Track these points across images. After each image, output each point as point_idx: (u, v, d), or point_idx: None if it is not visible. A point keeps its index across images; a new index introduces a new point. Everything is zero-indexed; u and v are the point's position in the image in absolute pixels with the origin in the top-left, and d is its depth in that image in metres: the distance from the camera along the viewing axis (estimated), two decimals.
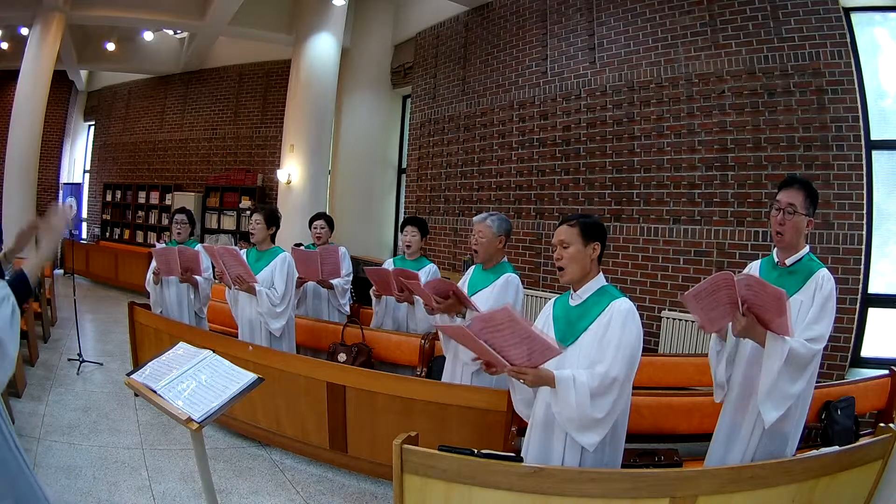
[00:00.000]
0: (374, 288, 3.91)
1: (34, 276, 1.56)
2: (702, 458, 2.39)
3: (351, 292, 4.58)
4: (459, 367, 2.97)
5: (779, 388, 1.97)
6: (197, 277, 4.10)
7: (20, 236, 2.24)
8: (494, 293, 2.87)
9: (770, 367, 1.97)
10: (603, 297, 1.99)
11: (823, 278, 2.11)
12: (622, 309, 1.92)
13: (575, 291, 2.06)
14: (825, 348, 2.10)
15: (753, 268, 2.36)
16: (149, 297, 4.36)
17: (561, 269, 2.03)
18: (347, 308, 4.38)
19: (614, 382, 1.86)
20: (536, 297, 5.80)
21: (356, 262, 4.64)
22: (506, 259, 3.03)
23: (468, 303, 2.77)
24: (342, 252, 4.34)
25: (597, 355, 1.91)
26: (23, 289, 1.50)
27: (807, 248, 2.22)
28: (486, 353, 1.83)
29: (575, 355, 1.95)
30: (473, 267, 3.12)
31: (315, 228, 4.46)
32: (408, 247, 3.93)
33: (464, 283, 3.09)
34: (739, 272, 2.46)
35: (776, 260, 2.26)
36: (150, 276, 4.21)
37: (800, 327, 2.06)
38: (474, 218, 3.03)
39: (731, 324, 2.07)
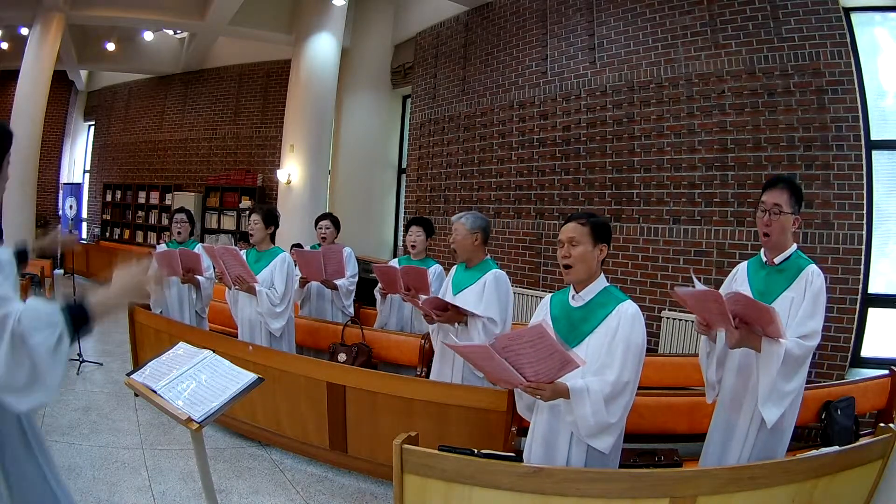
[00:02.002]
0: (379, 286, 3.90)
1: (97, 312, 1.34)
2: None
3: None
4: (448, 367, 2.98)
5: (777, 388, 1.99)
6: (199, 277, 4.09)
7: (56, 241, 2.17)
8: (486, 290, 2.86)
9: (768, 371, 1.98)
10: (607, 299, 1.97)
11: (813, 274, 2.12)
12: (629, 312, 1.92)
13: (577, 292, 2.03)
14: (825, 348, 2.11)
15: (741, 269, 2.37)
16: (149, 298, 4.36)
17: (567, 266, 2.00)
18: (351, 309, 4.37)
19: (626, 386, 1.86)
20: (536, 297, 5.80)
21: (357, 262, 4.63)
22: (489, 256, 3.04)
23: (466, 311, 2.78)
24: (347, 253, 4.32)
25: (606, 359, 1.89)
26: (78, 320, 1.29)
27: (794, 247, 2.23)
28: (503, 370, 1.79)
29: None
30: (456, 267, 3.12)
31: (321, 228, 4.44)
32: (412, 247, 3.93)
33: (447, 284, 3.09)
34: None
35: (764, 259, 2.27)
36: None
37: (792, 324, 2.07)
38: (452, 218, 3.04)
39: (725, 335, 2.08)
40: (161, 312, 4.21)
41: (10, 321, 1.18)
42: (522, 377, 1.80)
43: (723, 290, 2.36)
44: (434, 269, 3.77)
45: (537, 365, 1.75)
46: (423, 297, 3.00)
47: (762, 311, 1.92)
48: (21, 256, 2.08)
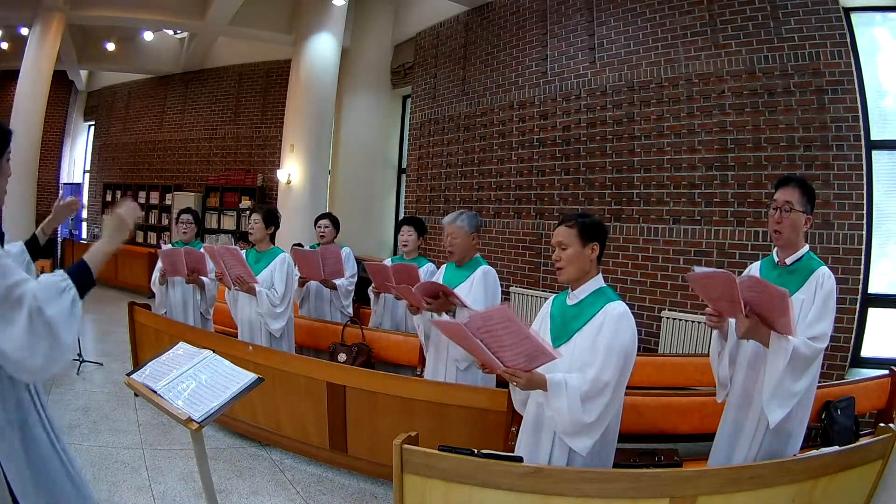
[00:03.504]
0: (372, 286, 3.90)
1: (96, 264, 1.49)
2: (702, 458, 2.40)
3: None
4: (442, 365, 2.98)
5: (783, 387, 1.98)
6: (203, 278, 4.05)
7: (57, 210, 2.27)
8: (475, 285, 2.89)
9: (774, 368, 1.97)
10: (598, 299, 1.99)
11: (824, 276, 2.11)
12: (616, 312, 1.91)
13: (572, 291, 2.05)
14: (825, 348, 2.10)
15: (753, 268, 2.37)
16: (151, 298, 4.34)
17: (560, 269, 2.04)
18: (350, 309, 4.36)
19: (606, 386, 1.85)
20: (536, 296, 5.80)
21: (357, 262, 4.63)
22: (478, 254, 3.06)
23: (458, 299, 2.78)
24: (345, 253, 4.31)
25: (589, 358, 1.90)
26: (84, 278, 1.45)
27: (806, 247, 2.22)
28: (480, 352, 1.82)
29: (567, 355, 1.95)
30: (444, 266, 3.13)
31: (319, 228, 4.44)
32: (404, 246, 3.94)
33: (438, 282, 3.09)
34: (740, 272, 2.47)
35: (776, 259, 2.27)
36: (156, 276, 4.15)
37: (802, 326, 2.06)
38: (444, 220, 3.03)
39: (734, 325, 2.08)
40: (165, 314, 4.20)
41: (27, 300, 1.29)
42: (501, 363, 1.82)
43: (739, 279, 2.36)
44: (427, 268, 3.78)
45: (511, 350, 1.77)
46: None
47: (776, 296, 1.88)
48: (33, 246, 2.14)
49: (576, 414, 1.83)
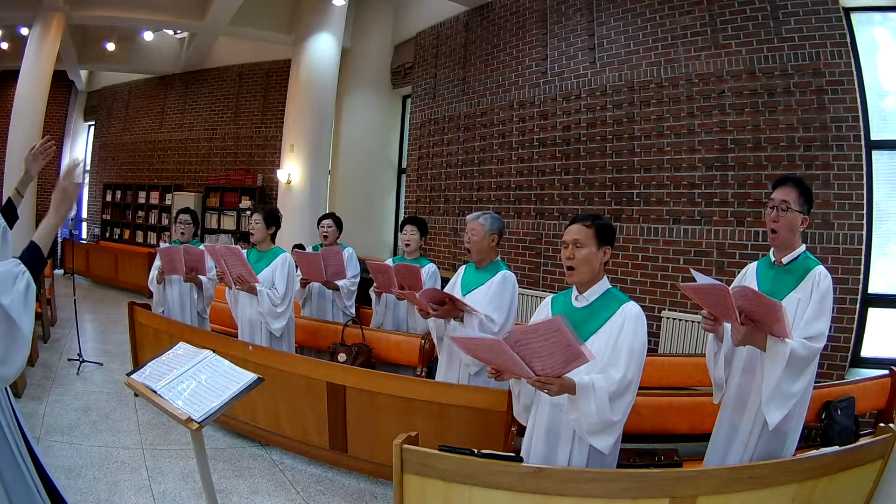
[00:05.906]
0: (374, 286, 3.90)
1: (46, 242, 1.55)
2: (702, 458, 2.39)
3: None
4: (455, 369, 2.97)
5: (781, 389, 1.98)
6: (201, 277, 4.07)
7: (29, 164, 2.29)
8: (492, 290, 2.88)
9: (773, 371, 1.97)
10: (610, 300, 1.99)
11: (820, 275, 2.11)
12: (633, 313, 1.93)
13: (581, 293, 2.04)
14: (825, 347, 2.10)
15: (750, 268, 2.37)
16: (150, 297, 4.34)
17: (570, 268, 2.01)
18: (353, 310, 4.36)
19: (630, 385, 1.87)
20: (536, 297, 5.79)
21: (359, 262, 4.63)
22: (500, 258, 3.05)
23: (464, 306, 2.77)
24: (348, 253, 4.31)
25: (610, 358, 1.90)
26: (36, 261, 1.50)
27: (803, 247, 2.22)
28: (513, 363, 1.77)
29: None
30: (465, 266, 3.12)
31: (323, 228, 4.44)
32: (406, 245, 3.94)
33: (455, 283, 3.08)
34: (739, 272, 2.48)
35: (773, 259, 2.27)
36: (153, 274, 4.18)
37: (799, 325, 2.06)
38: (468, 217, 3.04)
39: (730, 329, 2.08)
40: (163, 312, 4.21)
41: None
42: (531, 371, 1.79)
43: (732, 288, 2.36)
44: (428, 269, 3.78)
45: (547, 360, 1.75)
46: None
47: (769, 307, 1.90)
48: (8, 211, 2.18)
49: (604, 414, 1.83)
